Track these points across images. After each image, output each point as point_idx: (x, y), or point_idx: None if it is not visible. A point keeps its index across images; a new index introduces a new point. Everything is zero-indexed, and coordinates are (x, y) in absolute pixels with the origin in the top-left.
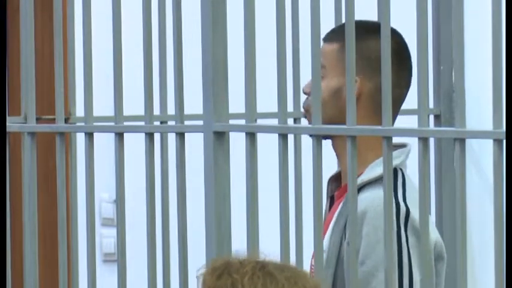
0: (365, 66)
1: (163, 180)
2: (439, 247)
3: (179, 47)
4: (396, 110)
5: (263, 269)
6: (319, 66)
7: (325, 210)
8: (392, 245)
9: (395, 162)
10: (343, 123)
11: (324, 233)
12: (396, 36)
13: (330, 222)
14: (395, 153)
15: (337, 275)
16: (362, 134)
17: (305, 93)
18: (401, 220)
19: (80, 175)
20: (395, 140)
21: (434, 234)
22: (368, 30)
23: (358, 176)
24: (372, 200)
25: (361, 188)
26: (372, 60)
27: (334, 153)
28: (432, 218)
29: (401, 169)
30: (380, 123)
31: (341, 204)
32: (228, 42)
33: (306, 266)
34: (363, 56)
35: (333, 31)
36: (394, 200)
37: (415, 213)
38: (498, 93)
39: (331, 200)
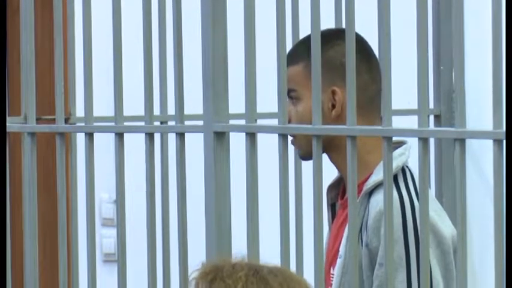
0: (339, 74)
1: (163, 180)
2: (456, 240)
3: (179, 47)
4: (379, 105)
5: (257, 274)
6: (319, 67)
7: (328, 219)
8: (393, 244)
9: (402, 159)
10: (334, 137)
11: (335, 240)
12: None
13: (337, 230)
14: (399, 150)
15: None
16: (362, 134)
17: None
18: (417, 218)
19: (80, 175)
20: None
21: (450, 228)
22: (326, 40)
23: (364, 180)
24: None
25: (372, 190)
26: (342, 65)
27: (335, 166)
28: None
29: (407, 166)
30: (365, 123)
31: None
32: (228, 42)
33: (306, 266)
34: (333, 66)
35: (290, 54)
36: (408, 199)
37: (430, 210)
38: (498, 93)
39: (333, 208)
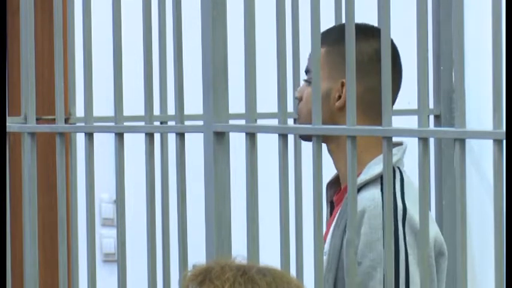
0: (356, 69)
1: (163, 180)
2: (439, 243)
3: (179, 47)
4: None
5: (245, 275)
6: (319, 67)
7: (326, 216)
8: (391, 246)
9: (393, 160)
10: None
11: (326, 238)
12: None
13: (329, 226)
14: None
15: (338, 278)
16: (362, 134)
17: (296, 98)
18: (398, 218)
19: (80, 175)
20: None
21: (434, 230)
22: (357, 33)
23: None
24: (368, 200)
25: (359, 189)
26: (360, 62)
27: (331, 157)
28: (432, 214)
29: (398, 167)
30: (369, 123)
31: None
32: (228, 42)
33: (306, 267)
34: None
35: (322, 34)
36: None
37: (413, 212)
38: (498, 93)
39: (331, 205)
